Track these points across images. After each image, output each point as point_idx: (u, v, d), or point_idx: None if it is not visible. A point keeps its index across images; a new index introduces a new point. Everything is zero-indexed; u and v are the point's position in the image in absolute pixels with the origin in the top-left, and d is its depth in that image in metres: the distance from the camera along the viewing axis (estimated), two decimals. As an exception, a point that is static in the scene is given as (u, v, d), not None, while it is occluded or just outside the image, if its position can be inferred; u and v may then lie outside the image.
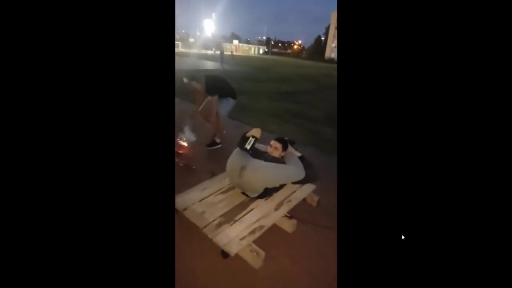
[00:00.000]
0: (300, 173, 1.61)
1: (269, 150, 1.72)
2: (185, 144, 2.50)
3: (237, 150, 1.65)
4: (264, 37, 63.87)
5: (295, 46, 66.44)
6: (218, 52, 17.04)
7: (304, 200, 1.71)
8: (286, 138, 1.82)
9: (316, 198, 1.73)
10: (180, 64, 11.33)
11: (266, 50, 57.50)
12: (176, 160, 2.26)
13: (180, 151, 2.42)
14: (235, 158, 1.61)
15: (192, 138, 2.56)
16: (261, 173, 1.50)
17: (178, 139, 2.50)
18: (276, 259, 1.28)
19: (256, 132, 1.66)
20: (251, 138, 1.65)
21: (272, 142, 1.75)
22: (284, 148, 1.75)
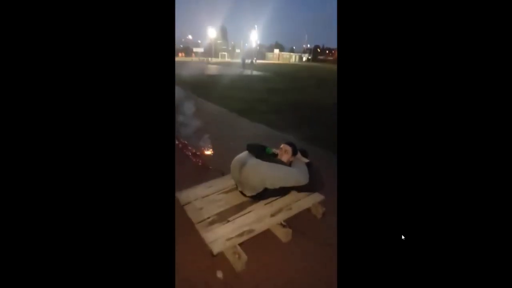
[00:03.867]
0: (303, 178, 1.53)
1: (279, 153, 1.69)
2: (208, 152, 2.68)
3: (245, 152, 1.68)
4: (308, 45, 63.31)
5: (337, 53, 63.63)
6: (247, 61, 21.83)
7: (308, 210, 1.61)
8: (300, 148, 1.77)
9: (322, 210, 1.61)
10: (221, 71, 15.55)
11: (310, 57, 56.93)
12: (196, 160, 2.42)
13: (198, 153, 2.58)
14: (239, 156, 1.64)
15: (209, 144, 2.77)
16: (260, 171, 1.49)
17: (203, 148, 2.72)
18: (265, 266, 1.24)
19: (281, 154, 1.67)
20: (272, 152, 1.67)
21: (282, 146, 1.72)
22: (294, 152, 1.70)
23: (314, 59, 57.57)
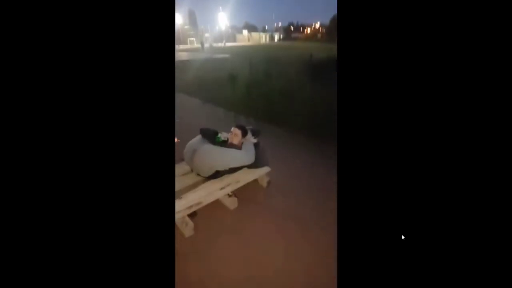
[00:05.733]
0: (249, 158, 1.73)
1: (230, 136, 1.85)
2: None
3: (199, 136, 1.83)
4: (280, 24, 62.68)
5: (308, 30, 62.70)
6: (206, 45, 24.36)
7: (255, 181, 1.85)
8: (250, 127, 1.94)
9: (266, 180, 1.85)
10: (182, 57, 14.96)
11: (281, 36, 56.67)
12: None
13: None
14: (192, 141, 1.79)
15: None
16: (210, 157, 1.67)
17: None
18: (214, 231, 1.47)
19: (232, 137, 1.80)
20: (222, 138, 1.81)
21: (233, 129, 1.87)
22: (244, 134, 1.87)
23: (286, 37, 56.97)
